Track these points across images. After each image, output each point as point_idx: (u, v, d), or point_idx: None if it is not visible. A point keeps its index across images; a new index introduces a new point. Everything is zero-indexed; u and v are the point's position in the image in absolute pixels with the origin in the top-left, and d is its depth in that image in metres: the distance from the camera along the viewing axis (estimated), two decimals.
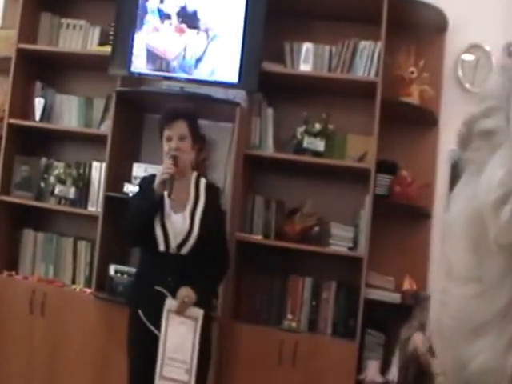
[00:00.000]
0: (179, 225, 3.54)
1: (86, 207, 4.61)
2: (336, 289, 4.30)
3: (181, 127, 3.57)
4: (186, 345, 3.49)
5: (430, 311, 0.56)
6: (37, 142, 4.89)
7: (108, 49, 4.53)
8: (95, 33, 4.80)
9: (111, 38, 4.58)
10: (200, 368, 3.53)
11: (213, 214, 3.65)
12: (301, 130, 4.30)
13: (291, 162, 4.39)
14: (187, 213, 3.57)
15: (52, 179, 4.68)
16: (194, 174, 3.71)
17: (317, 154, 4.29)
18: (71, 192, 4.62)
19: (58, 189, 4.63)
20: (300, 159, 4.32)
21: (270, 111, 4.45)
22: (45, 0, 4.88)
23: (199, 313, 3.52)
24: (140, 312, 3.54)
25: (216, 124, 4.62)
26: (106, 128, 4.56)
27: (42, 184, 4.74)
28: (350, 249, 4.24)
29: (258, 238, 4.35)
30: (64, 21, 4.86)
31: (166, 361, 3.47)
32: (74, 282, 4.67)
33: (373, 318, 4.13)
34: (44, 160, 4.82)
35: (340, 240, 4.23)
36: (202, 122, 4.49)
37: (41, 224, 4.85)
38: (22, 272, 4.74)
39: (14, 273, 4.69)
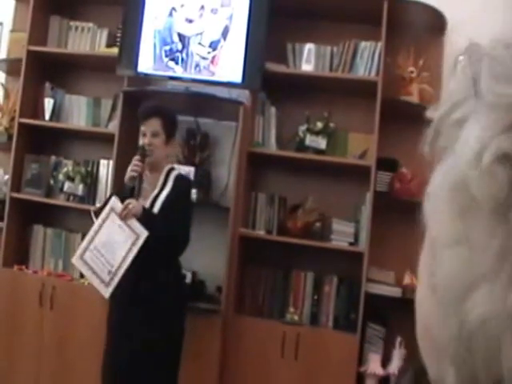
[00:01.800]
0: None
1: (93, 204, 4.48)
2: (337, 283, 4.16)
3: (154, 124, 3.56)
4: (118, 249, 3.31)
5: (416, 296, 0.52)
6: (46, 141, 4.80)
7: (115, 50, 4.44)
8: (103, 35, 4.71)
9: (118, 39, 4.49)
10: (169, 357, 3.45)
11: (175, 201, 3.54)
12: (303, 128, 4.17)
13: (293, 160, 4.26)
14: (149, 199, 3.54)
15: (61, 177, 4.57)
16: (167, 167, 3.66)
17: (319, 151, 4.16)
18: (79, 189, 4.52)
19: (66, 186, 4.53)
20: (302, 157, 4.18)
21: (272, 110, 4.33)
22: (54, 4, 4.79)
23: (143, 232, 3.31)
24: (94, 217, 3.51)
25: (220, 123, 4.52)
26: (114, 127, 4.46)
27: (52, 181, 4.64)
28: (351, 244, 4.10)
29: (260, 233, 4.22)
30: (73, 23, 4.77)
31: (90, 247, 3.35)
32: (82, 275, 4.49)
33: (374, 311, 3.98)
34: (53, 158, 4.72)
35: (341, 235, 4.10)
36: (207, 121, 4.42)
37: (50, 220, 4.75)
38: (32, 266, 4.65)
39: (24, 267, 4.59)
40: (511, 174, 0.43)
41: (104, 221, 3.36)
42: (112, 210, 3.36)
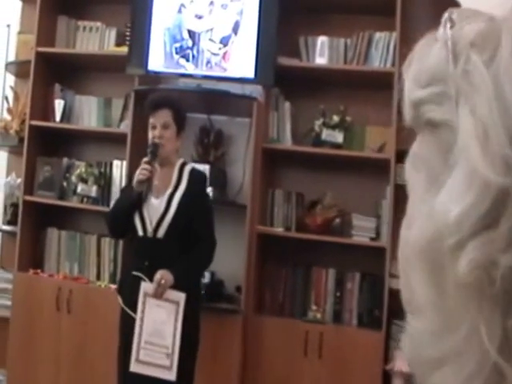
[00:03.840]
0: (155, 208, 3.27)
1: (108, 205, 4.24)
2: (360, 279, 3.91)
3: (164, 115, 3.30)
4: (166, 329, 3.10)
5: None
6: (58, 143, 4.58)
7: (124, 49, 4.21)
8: (111, 34, 4.47)
9: (127, 38, 4.25)
10: (185, 357, 3.17)
11: (194, 199, 3.30)
12: (318, 122, 3.93)
13: (310, 155, 4.02)
14: (165, 197, 3.28)
15: (74, 178, 4.34)
16: (180, 161, 3.40)
17: (336, 145, 3.90)
18: (93, 190, 4.30)
19: (80, 188, 4.30)
20: (318, 151, 3.95)
21: (287, 105, 4.09)
22: (61, 4, 4.57)
23: (181, 296, 3.12)
24: (119, 298, 3.29)
25: (233, 119, 4.28)
26: (126, 127, 4.23)
27: (65, 183, 4.42)
28: (372, 239, 3.86)
29: (279, 230, 3.97)
30: (80, 23, 4.54)
31: (142, 344, 3.10)
32: (98, 278, 4.35)
33: (398, 307, 3.67)
34: (66, 160, 4.49)
35: (362, 231, 3.86)
36: (220, 118, 4.18)
37: (64, 223, 4.52)
38: (47, 270, 4.42)
39: (39, 271, 4.37)
40: None
41: (143, 311, 3.13)
42: (146, 294, 3.14)
